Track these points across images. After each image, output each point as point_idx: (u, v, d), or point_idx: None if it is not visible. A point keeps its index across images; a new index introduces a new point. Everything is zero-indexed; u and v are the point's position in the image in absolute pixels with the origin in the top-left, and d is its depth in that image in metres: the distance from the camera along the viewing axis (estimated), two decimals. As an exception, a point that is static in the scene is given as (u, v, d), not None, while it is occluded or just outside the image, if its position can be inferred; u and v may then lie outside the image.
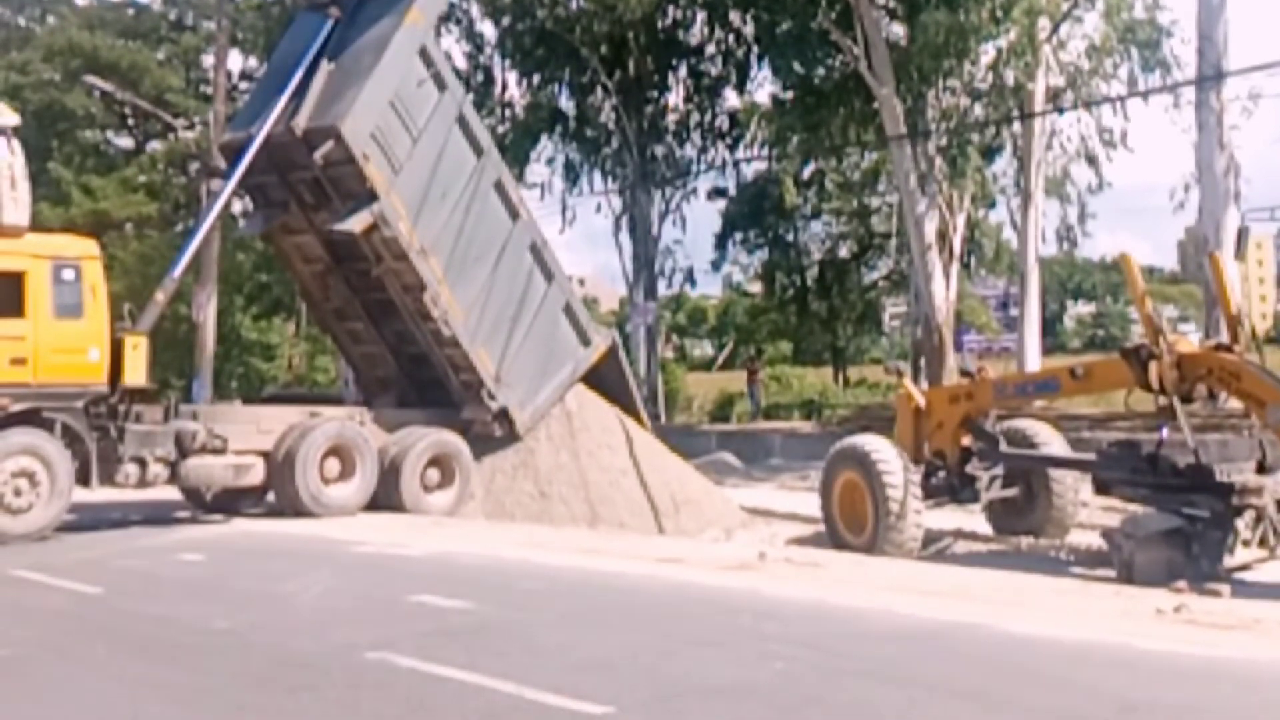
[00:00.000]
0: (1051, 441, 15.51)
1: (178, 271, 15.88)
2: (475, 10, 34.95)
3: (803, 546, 14.47)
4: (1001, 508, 15.49)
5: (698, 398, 40.07)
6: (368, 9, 16.40)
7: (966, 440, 15.18)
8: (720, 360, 63.00)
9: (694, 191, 37.33)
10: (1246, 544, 12.14)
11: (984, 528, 15.76)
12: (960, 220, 29.43)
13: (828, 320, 45.50)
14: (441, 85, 16.28)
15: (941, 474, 15.20)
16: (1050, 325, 32.55)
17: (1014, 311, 56.00)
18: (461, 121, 16.52)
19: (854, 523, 14.65)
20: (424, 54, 16.13)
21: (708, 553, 13.03)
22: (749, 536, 16.26)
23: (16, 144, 7.52)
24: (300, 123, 15.57)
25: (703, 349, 72.72)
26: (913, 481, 14.46)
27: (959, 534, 15.61)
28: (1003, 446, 15.09)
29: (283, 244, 17.49)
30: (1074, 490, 15.51)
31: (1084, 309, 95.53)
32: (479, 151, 16.63)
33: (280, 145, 15.71)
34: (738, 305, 60.96)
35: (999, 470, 15.14)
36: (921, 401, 15.45)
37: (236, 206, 18.06)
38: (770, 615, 9.00)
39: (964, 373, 16.13)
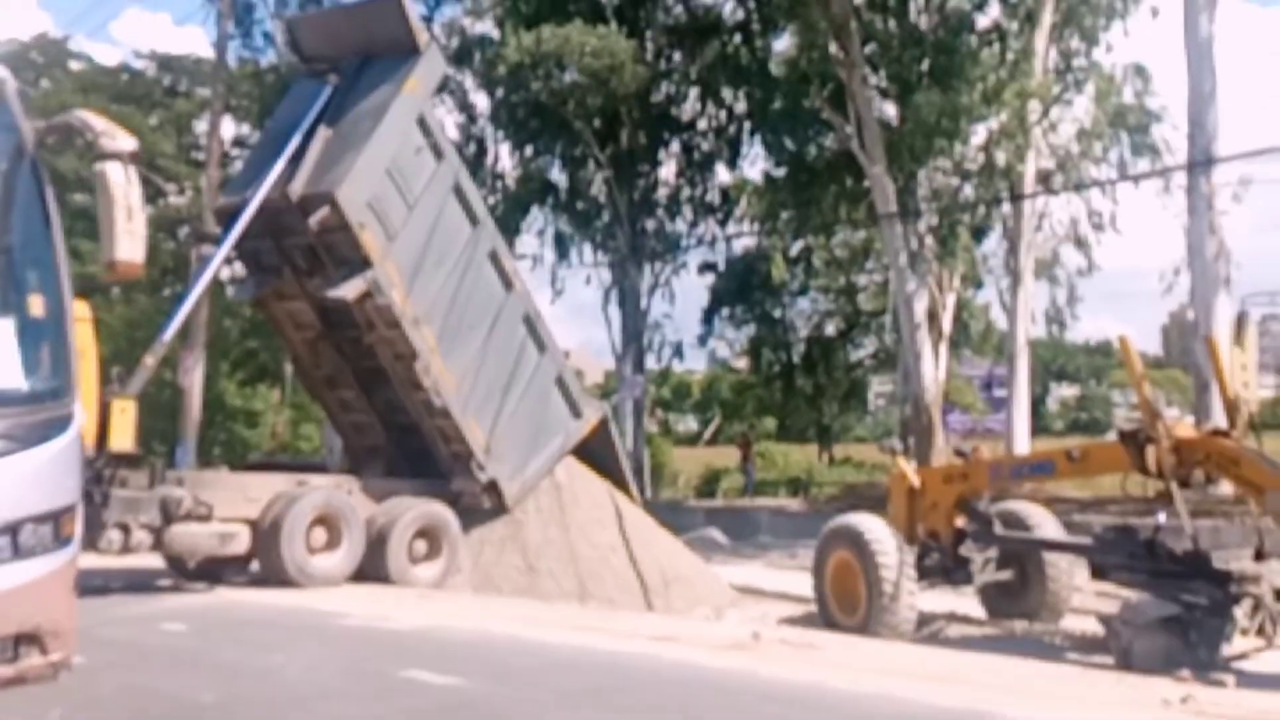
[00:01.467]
0: (1045, 524, 15.36)
1: (167, 335, 15.74)
2: (469, 81, 35.19)
3: (795, 626, 14.26)
4: (995, 590, 15.29)
5: (683, 473, 39.93)
6: (366, 76, 16.39)
7: (960, 521, 15.02)
8: (707, 435, 62.83)
9: (684, 266, 37.48)
10: (1244, 632, 11.99)
11: (977, 610, 15.55)
12: (950, 299, 29.57)
13: (813, 397, 45.49)
14: (438, 154, 16.26)
15: (935, 555, 14.99)
16: (1034, 407, 32.52)
17: (998, 392, 56.05)
18: (457, 190, 16.48)
19: (847, 603, 14.46)
20: (421, 122, 16.12)
21: (701, 632, 12.84)
22: (740, 615, 16.02)
23: (134, 171, 6.65)
24: (296, 188, 15.50)
25: (687, 424, 72.55)
26: (907, 562, 14.29)
27: (952, 616, 15.41)
28: (997, 528, 14.94)
29: (274, 310, 17.35)
30: (1068, 574, 15.32)
31: (1068, 391, 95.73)
32: (474, 221, 16.58)
33: (275, 211, 15.62)
34: (723, 381, 60.96)
35: (993, 553, 14.96)
36: (916, 481, 15.31)
37: (225, 272, 17.90)
38: (770, 698, 8.82)
39: (958, 453, 16.00)
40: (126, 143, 6.71)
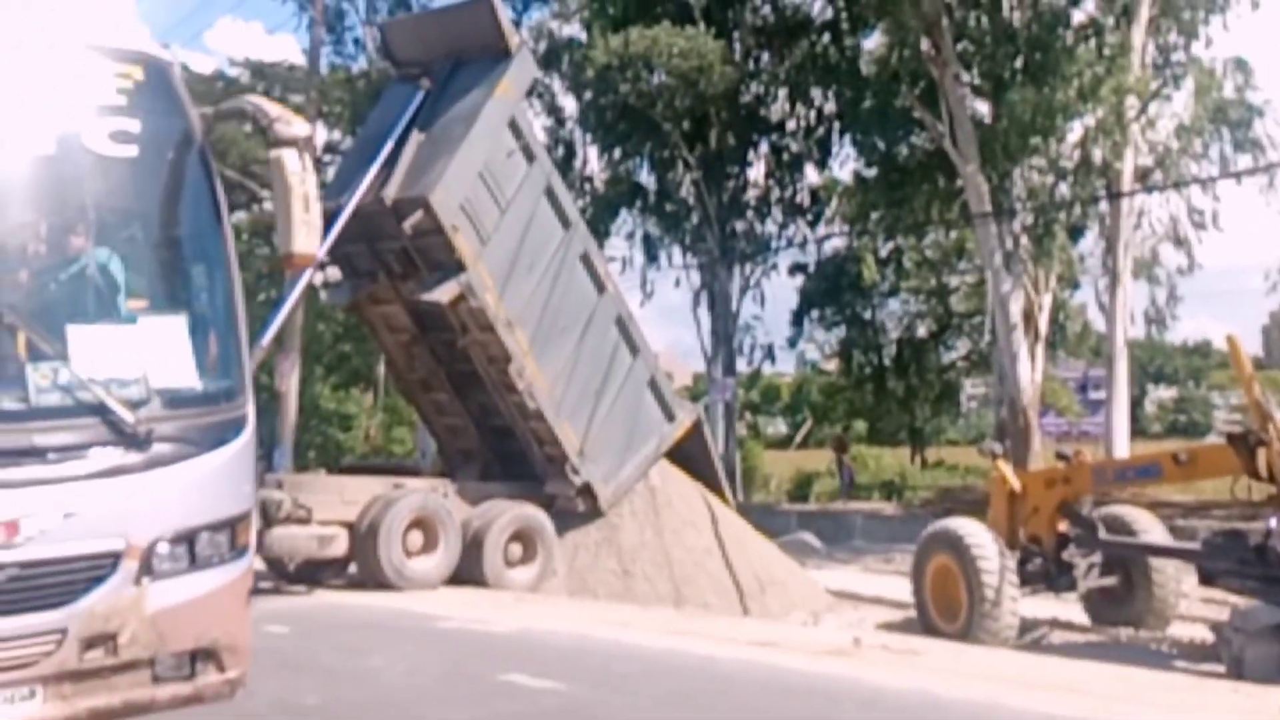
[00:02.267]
0: (1151, 529, 14.99)
1: (266, 340, 15.75)
2: (557, 85, 35.25)
3: (894, 632, 14.06)
4: (1099, 597, 14.99)
5: (775, 476, 39.66)
6: (458, 80, 16.42)
7: (1063, 526, 14.73)
8: (799, 439, 62.36)
9: (774, 267, 37.19)
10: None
11: (1080, 617, 15.25)
12: (1046, 300, 29.03)
13: (905, 400, 44.92)
14: (530, 156, 16.25)
15: (1037, 560, 14.73)
16: (1132, 409, 31.81)
17: (1094, 394, 55.24)
18: (549, 193, 16.46)
19: (947, 609, 14.25)
20: (513, 125, 16.11)
21: (800, 637, 12.68)
22: (837, 621, 15.85)
23: (309, 159, 6.28)
24: (390, 193, 15.56)
25: (776, 427, 72.17)
26: (1009, 568, 14.04)
27: (1055, 623, 15.12)
28: (1101, 533, 14.62)
29: (369, 314, 17.45)
30: (1175, 580, 14.97)
31: (1165, 393, 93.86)
32: (566, 223, 16.55)
33: (369, 215, 15.69)
34: (812, 383, 60.49)
35: (1097, 558, 14.66)
36: (1017, 485, 15.04)
37: (319, 277, 18.01)
38: (874, 705, 8.67)
39: (1060, 456, 15.68)
40: (301, 128, 6.35)
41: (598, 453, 16.50)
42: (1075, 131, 28.16)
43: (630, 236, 35.63)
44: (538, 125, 33.68)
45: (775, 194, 35.87)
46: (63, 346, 5.58)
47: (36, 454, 5.39)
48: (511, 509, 15.82)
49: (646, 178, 34.93)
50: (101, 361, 5.66)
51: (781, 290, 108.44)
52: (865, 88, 30.13)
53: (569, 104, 35.57)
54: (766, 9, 34.55)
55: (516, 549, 15.72)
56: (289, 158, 6.21)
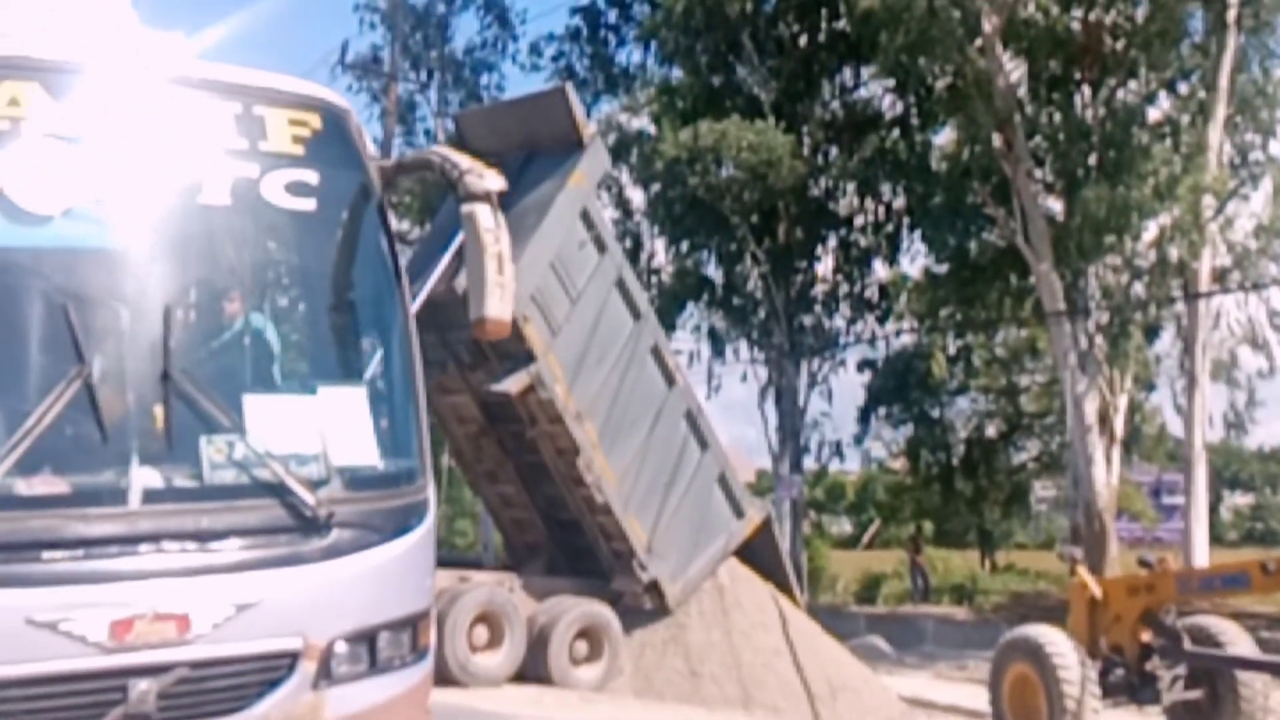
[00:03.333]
0: (1238, 641, 14.40)
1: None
2: (625, 177, 35.35)
3: (970, 743, 13.57)
4: (1183, 710, 14.38)
5: (841, 577, 39.03)
6: (532, 170, 16.39)
7: (1146, 636, 14.22)
8: (866, 539, 61.54)
9: (842, 363, 36.87)
10: None
11: (1164, 730, 14.65)
12: (1121, 402, 28.47)
13: (973, 501, 44.18)
14: (602, 247, 16.14)
15: (1119, 671, 14.22)
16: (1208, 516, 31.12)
17: (1167, 499, 54.11)
18: (620, 284, 16.32)
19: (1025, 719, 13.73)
20: (585, 216, 16.03)
21: (876, 747, 12.22)
22: (911, 729, 15.35)
23: (502, 217, 5.82)
24: (461, 283, 15.46)
25: (841, 526, 71.35)
26: (1090, 678, 13.52)
27: (1138, 736, 14.55)
28: (1187, 644, 14.08)
29: (438, 404, 17.29)
30: (1263, 695, 14.33)
31: (1241, 500, 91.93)
32: (636, 315, 16.38)
33: (441, 305, 15.49)
34: (878, 482, 59.79)
35: (1182, 670, 14.10)
36: (1098, 592, 14.56)
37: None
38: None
39: (1143, 563, 15.17)
40: (494, 183, 5.83)
41: (665, 549, 16.17)
42: (1151, 230, 27.78)
43: (696, 330, 35.55)
44: (606, 217, 33.80)
45: (843, 289, 35.64)
46: (238, 418, 5.15)
47: (209, 538, 4.94)
48: (578, 605, 15.49)
49: (714, 271, 34.84)
50: (278, 436, 5.22)
51: (848, 387, 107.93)
52: (936, 183, 29.98)
53: (637, 196, 35.64)
54: (836, 104, 34.61)
55: (582, 646, 15.36)
56: (482, 214, 5.72)
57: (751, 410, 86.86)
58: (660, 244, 35.45)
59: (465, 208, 5.76)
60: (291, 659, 4.99)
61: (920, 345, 37.70)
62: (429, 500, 5.62)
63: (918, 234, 33.15)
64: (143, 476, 4.89)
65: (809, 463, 37.79)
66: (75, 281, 5.09)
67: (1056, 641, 13.78)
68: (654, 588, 16.03)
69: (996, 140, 27.27)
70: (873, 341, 37.52)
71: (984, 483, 43.77)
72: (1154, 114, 27.85)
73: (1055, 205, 28.23)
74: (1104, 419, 27.83)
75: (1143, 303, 28.32)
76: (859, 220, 34.86)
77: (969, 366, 41.78)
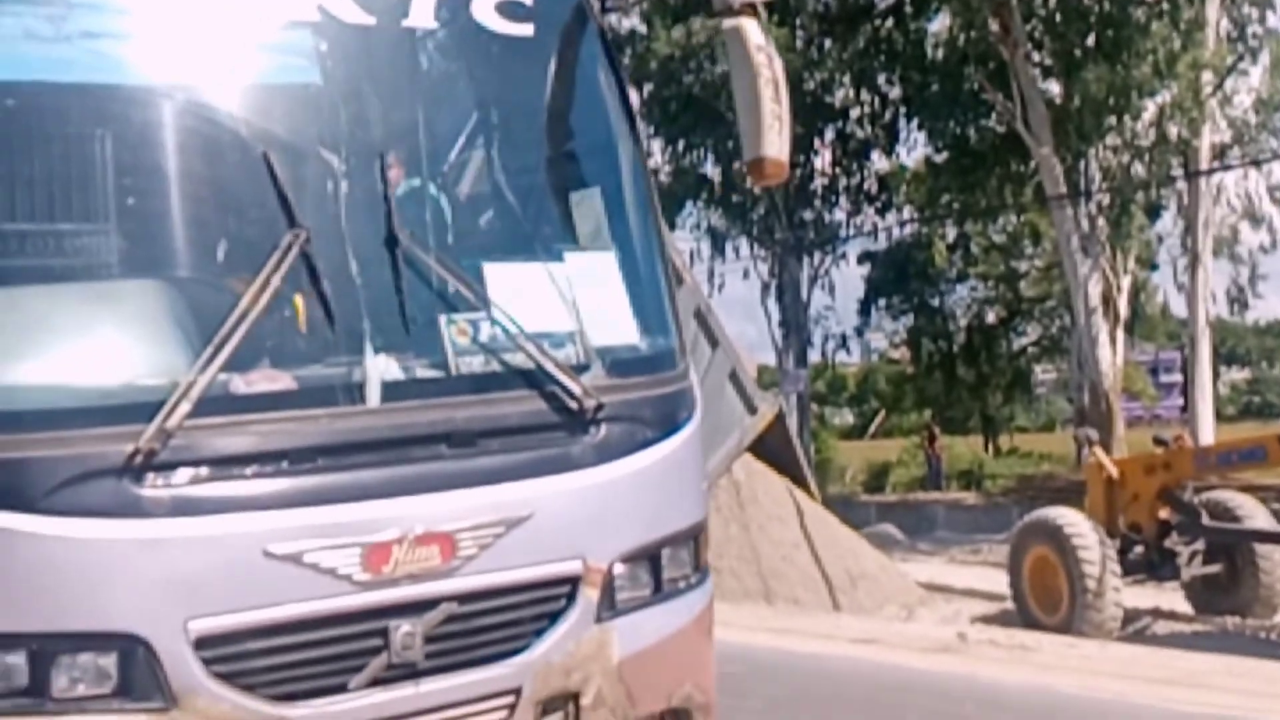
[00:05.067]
0: (1256, 515, 14.51)
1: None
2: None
3: (992, 625, 13.71)
4: (1203, 585, 14.53)
5: (849, 467, 39.29)
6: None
7: (1164, 513, 14.33)
8: (872, 430, 61.80)
9: (843, 256, 36.78)
10: None
11: (1183, 606, 14.81)
12: (1125, 283, 28.47)
13: (976, 387, 44.34)
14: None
15: (1138, 549, 14.35)
16: (1206, 391, 31.28)
17: (1164, 378, 54.25)
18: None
19: (1047, 601, 13.85)
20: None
21: (902, 633, 12.35)
22: (932, 614, 15.48)
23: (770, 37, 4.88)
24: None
25: (843, 418, 71.58)
26: (1111, 557, 13.64)
27: (1157, 612, 14.69)
28: (1204, 520, 14.19)
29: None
30: (1282, 566, 14.51)
31: (1238, 375, 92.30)
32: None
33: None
34: (879, 372, 59.95)
35: (1200, 545, 14.21)
36: (1114, 472, 14.64)
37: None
38: (996, 705, 8.35)
39: (1158, 441, 15.24)
40: None
41: (681, 447, 16.18)
42: (1150, 110, 27.56)
43: (696, 229, 35.39)
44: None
45: (842, 182, 35.45)
46: (482, 291, 4.20)
47: (464, 440, 4.03)
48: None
49: (711, 169, 34.63)
50: (527, 312, 4.25)
51: (849, 280, 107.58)
52: (933, 71, 29.69)
53: (632, 97, 35.24)
54: (829, -6, 34.14)
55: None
56: (750, 29, 4.61)
57: (752, 307, 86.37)
58: (657, 144, 35.15)
59: (728, 23, 4.69)
60: (571, 586, 4.12)
61: (919, 236, 37.56)
62: (695, 387, 4.69)
63: (915, 124, 32.88)
64: (379, 366, 3.99)
65: (813, 357, 37.90)
66: (275, 126, 4.18)
67: (1075, 522, 13.88)
68: (671, 486, 16.06)
69: (993, 25, 26.94)
70: (874, 233, 37.43)
71: (985, 369, 43.90)
72: (1150, -10, 27.46)
73: (1054, 88, 27.99)
74: (1107, 300, 27.85)
75: (1144, 183, 28.17)
76: (855, 112, 34.55)
77: (968, 254, 41.71)
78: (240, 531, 3.66)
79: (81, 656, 3.54)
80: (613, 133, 4.89)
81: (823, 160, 35.27)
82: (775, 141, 4.58)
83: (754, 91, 4.57)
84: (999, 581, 15.18)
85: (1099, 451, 15.20)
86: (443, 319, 4.16)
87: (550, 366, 4.16)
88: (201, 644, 3.60)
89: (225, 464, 3.71)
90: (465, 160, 4.73)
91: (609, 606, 4.21)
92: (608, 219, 4.78)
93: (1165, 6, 26.98)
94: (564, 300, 4.39)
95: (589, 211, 4.80)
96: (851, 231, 36.33)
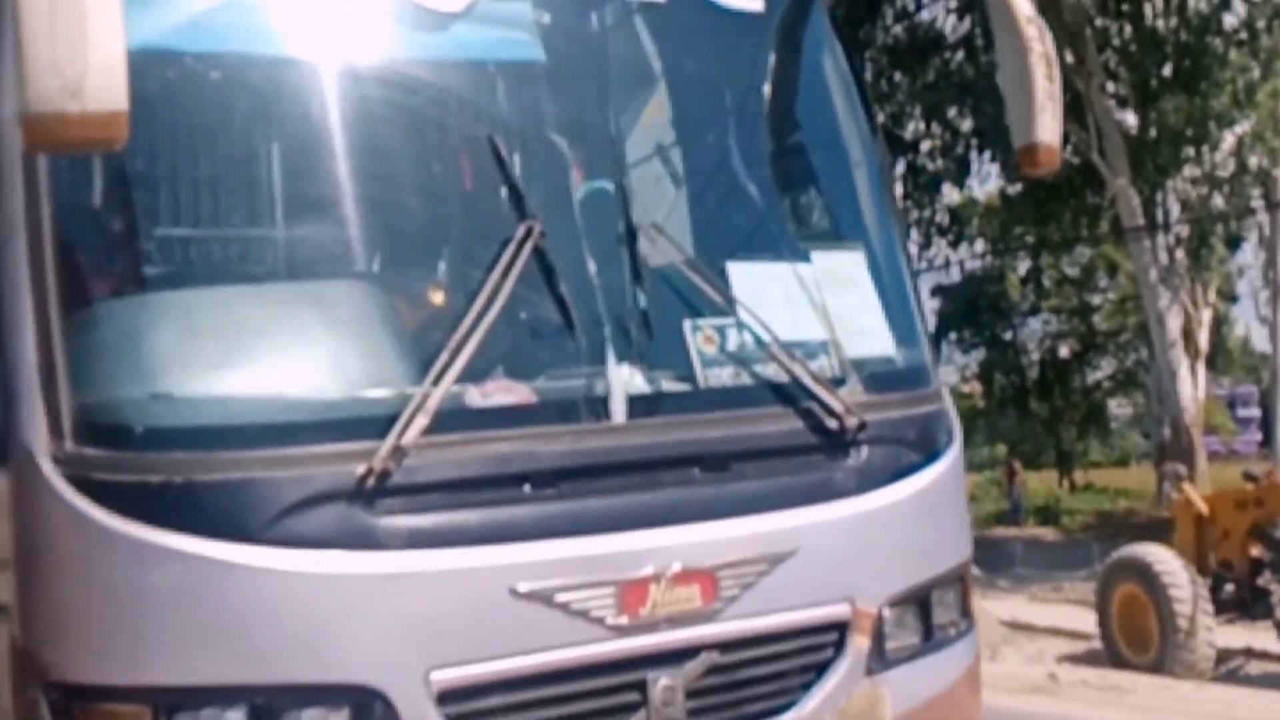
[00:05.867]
0: (1350, 552, 14.17)
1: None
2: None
3: (1080, 665, 13.44)
4: (1296, 624, 14.20)
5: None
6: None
7: (1256, 550, 13.99)
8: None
9: (915, 290, 36.51)
10: None
11: (1276, 645, 14.42)
12: (1205, 316, 28.03)
13: (1050, 422, 43.83)
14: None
15: (1229, 587, 14.04)
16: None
17: (1241, 412, 53.32)
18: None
19: (1136, 640, 13.55)
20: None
21: (990, 672, 12.04)
22: (1016, 653, 15.21)
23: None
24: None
25: (913, 452, 71.11)
26: (1202, 596, 13.33)
27: (1250, 653, 14.35)
28: (1298, 557, 13.85)
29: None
30: (1377, 605, 14.13)
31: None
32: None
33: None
34: (952, 407, 59.50)
35: (1294, 583, 13.89)
36: (1204, 509, 14.35)
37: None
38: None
39: (1249, 476, 14.91)
40: None
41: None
42: (1229, 140, 27.20)
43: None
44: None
45: (914, 215, 35.21)
46: (728, 293, 3.76)
47: (717, 464, 3.59)
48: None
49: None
50: (776, 317, 3.77)
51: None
52: (1004, 103, 29.40)
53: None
54: (898, 28, 34.01)
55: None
56: (1018, 1, 4.18)
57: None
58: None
59: None
60: (839, 633, 3.64)
61: (991, 269, 37.23)
62: (950, 407, 4.23)
63: (987, 156, 32.63)
64: (623, 378, 3.53)
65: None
66: (498, 108, 3.82)
67: (1165, 560, 13.59)
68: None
69: (1068, 56, 26.69)
70: (945, 266, 37.14)
71: (1059, 403, 43.42)
72: (1230, 20, 27.12)
73: (1130, 119, 27.69)
74: (1187, 334, 27.43)
75: (1223, 214, 27.76)
76: (926, 145, 34.33)
77: (1040, 288, 41.34)
78: (485, 566, 3.22)
79: (308, 713, 3.09)
80: (849, 119, 4.45)
81: (895, 193, 35.09)
82: (1049, 125, 4.16)
83: (1025, 70, 4.13)
84: (1082, 620, 14.91)
85: (1188, 488, 14.93)
86: (687, 325, 3.72)
87: (808, 380, 3.70)
88: (445, 698, 3.15)
89: (464, 488, 3.27)
90: (697, 147, 4.31)
91: (878, 657, 3.72)
92: (850, 214, 4.40)
93: (1244, 35, 26.66)
94: (813, 304, 3.93)
95: (832, 205, 4.46)
96: (923, 265, 36.05)
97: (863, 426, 3.74)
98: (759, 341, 3.73)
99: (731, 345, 3.73)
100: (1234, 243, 29.82)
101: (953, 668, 3.97)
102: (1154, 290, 26.77)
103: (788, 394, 3.72)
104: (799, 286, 3.94)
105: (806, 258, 4.06)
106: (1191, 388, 26.86)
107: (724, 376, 3.72)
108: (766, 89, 4.33)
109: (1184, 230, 27.56)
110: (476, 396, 3.35)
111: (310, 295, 3.54)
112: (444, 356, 3.25)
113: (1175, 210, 27.72)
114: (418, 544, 3.17)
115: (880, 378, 3.98)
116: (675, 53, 4.23)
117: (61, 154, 3.08)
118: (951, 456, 4.09)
